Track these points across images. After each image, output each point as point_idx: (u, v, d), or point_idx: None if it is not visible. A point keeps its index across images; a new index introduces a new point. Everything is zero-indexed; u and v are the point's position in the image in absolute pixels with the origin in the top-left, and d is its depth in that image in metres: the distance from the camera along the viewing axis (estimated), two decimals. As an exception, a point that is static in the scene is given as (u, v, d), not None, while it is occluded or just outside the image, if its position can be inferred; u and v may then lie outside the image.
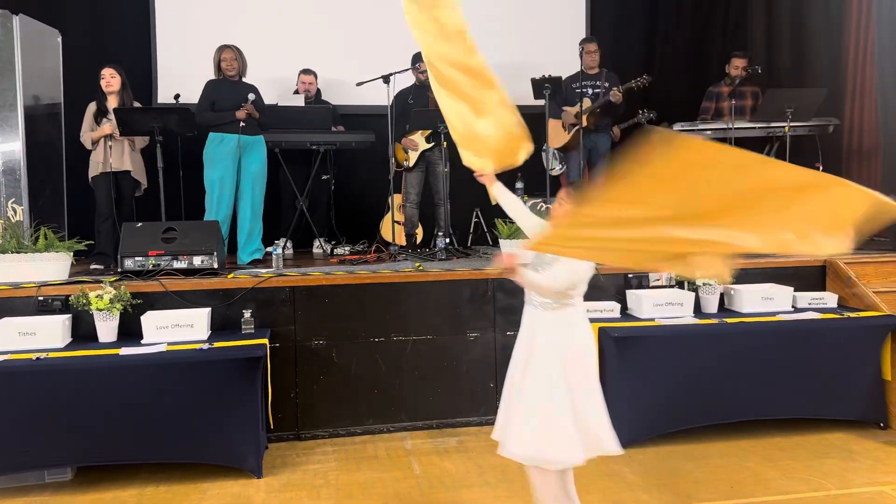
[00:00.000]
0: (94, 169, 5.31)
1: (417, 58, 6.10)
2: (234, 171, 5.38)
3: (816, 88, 5.95)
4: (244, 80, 5.56)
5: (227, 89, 5.44)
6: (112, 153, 5.25)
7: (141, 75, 6.77)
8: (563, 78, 6.40)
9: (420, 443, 4.29)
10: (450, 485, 3.67)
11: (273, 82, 6.71)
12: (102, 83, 5.30)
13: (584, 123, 6.20)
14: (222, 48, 5.49)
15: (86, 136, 5.30)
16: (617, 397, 4.07)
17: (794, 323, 4.31)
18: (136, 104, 5.44)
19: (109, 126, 5.20)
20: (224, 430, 3.75)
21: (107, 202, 5.28)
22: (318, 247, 6.35)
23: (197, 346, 3.79)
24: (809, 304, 4.63)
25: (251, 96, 5.37)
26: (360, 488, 3.65)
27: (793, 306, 4.61)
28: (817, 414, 4.35)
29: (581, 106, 6.18)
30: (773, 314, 4.44)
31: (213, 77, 5.53)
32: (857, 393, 4.34)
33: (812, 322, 4.32)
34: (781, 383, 4.25)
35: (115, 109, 5.12)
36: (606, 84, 6.36)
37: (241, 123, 5.30)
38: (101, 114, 5.29)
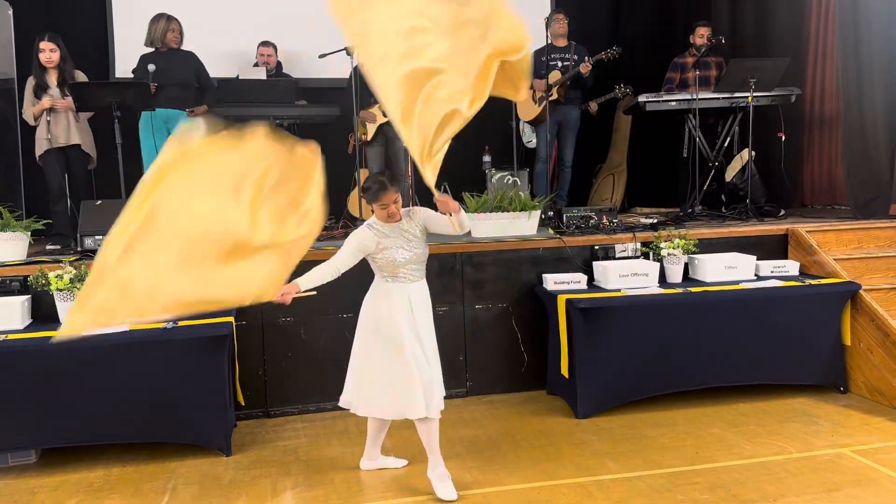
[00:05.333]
0: (41, 146, 5.09)
1: None
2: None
3: (779, 58, 5.99)
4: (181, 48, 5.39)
5: (165, 61, 5.25)
6: (56, 127, 5.05)
7: (97, 49, 6.59)
8: (532, 51, 6.36)
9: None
10: (420, 458, 3.67)
11: (232, 55, 6.58)
12: (42, 58, 5.06)
13: (554, 96, 6.18)
14: (170, 19, 5.26)
15: (28, 112, 5.09)
16: (584, 367, 4.12)
17: (756, 291, 4.37)
18: (79, 73, 5.22)
19: (49, 100, 5.00)
20: (191, 408, 3.71)
21: (58, 181, 5.10)
22: (285, 223, 6.27)
23: (161, 325, 3.73)
24: (772, 272, 4.70)
25: (151, 67, 5.13)
26: (330, 463, 3.65)
27: (755, 275, 4.67)
28: (780, 380, 4.45)
29: (548, 80, 6.15)
30: (737, 283, 4.50)
31: (151, 49, 5.35)
32: (818, 358, 4.44)
33: (774, 290, 4.39)
34: (745, 351, 4.33)
35: (70, 84, 4.97)
36: (575, 57, 6.34)
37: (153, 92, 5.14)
38: (40, 88, 5.06)
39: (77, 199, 5.12)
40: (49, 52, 5.06)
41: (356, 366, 3.34)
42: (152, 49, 5.36)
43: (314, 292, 3.23)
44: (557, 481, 3.36)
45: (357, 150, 5.86)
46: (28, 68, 5.48)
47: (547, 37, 6.24)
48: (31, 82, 5.12)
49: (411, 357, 3.19)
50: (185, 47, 5.44)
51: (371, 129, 6.03)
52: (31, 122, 5.12)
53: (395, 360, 3.20)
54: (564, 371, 4.16)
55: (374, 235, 3.24)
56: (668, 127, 6.66)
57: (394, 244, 3.23)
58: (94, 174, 5.55)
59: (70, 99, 5.06)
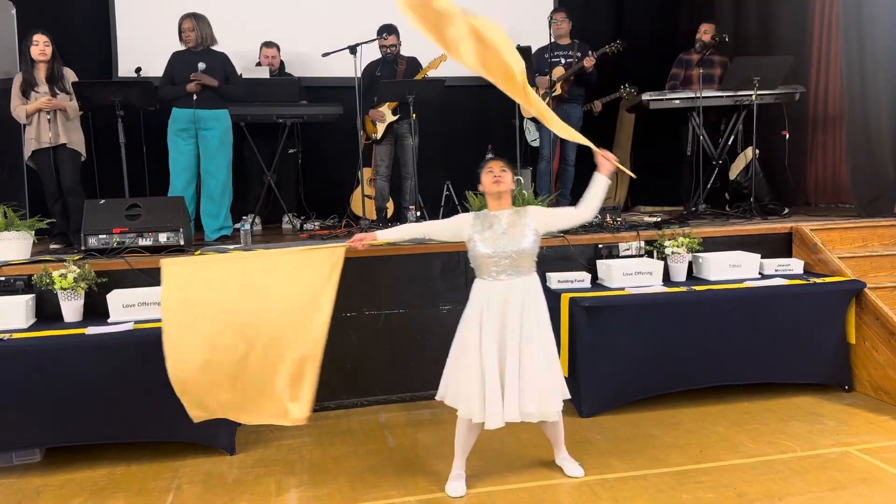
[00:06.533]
0: (30, 146, 5.03)
1: (383, 29, 6.00)
2: (192, 147, 5.22)
3: (783, 56, 5.98)
4: (213, 48, 5.33)
5: (185, 61, 5.23)
6: (48, 127, 4.98)
7: (100, 48, 6.60)
8: (535, 50, 6.36)
9: (394, 416, 4.30)
10: (424, 456, 3.68)
11: (235, 55, 6.55)
12: (35, 50, 4.97)
13: (557, 91, 6.17)
14: (182, 18, 5.25)
15: (19, 110, 5.00)
16: (588, 366, 4.12)
17: (761, 290, 4.36)
18: (69, 71, 5.17)
19: (45, 99, 4.93)
20: (195, 407, 3.71)
21: (52, 182, 5.06)
22: (288, 222, 6.28)
23: (165, 324, 3.73)
24: (776, 270, 4.69)
25: (201, 65, 5.13)
26: (335, 462, 3.65)
27: (760, 273, 4.67)
28: (784, 378, 4.43)
29: (551, 76, 6.15)
30: (741, 281, 4.49)
31: (179, 48, 5.33)
32: (823, 357, 4.43)
33: (779, 288, 4.38)
34: (749, 349, 4.32)
35: (74, 83, 4.96)
36: (578, 54, 6.33)
37: (194, 97, 5.13)
38: (28, 85, 4.99)
39: (69, 198, 5.09)
40: (43, 45, 4.99)
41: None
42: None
43: (391, 243, 3.36)
44: (561, 480, 3.36)
45: (361, 150, 5.85)
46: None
47: (550, 35, 6.24)
48: (18, 79, 5.03)
49: (476, 359, 3.14)
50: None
51: (381, 128, 6.04)
52: (22, 121, 5.03)
53: (467, 359, 3.19)
54: (564, 370, 4.14)
55: (472, 224, 3.23)
56: (672, 125, 6.65)
57: (487, 237, 3.17)
58: (96, 173, 5.55)
59: (59, 98, 5.02)
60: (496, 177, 3.21)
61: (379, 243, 3.32)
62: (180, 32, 5.25)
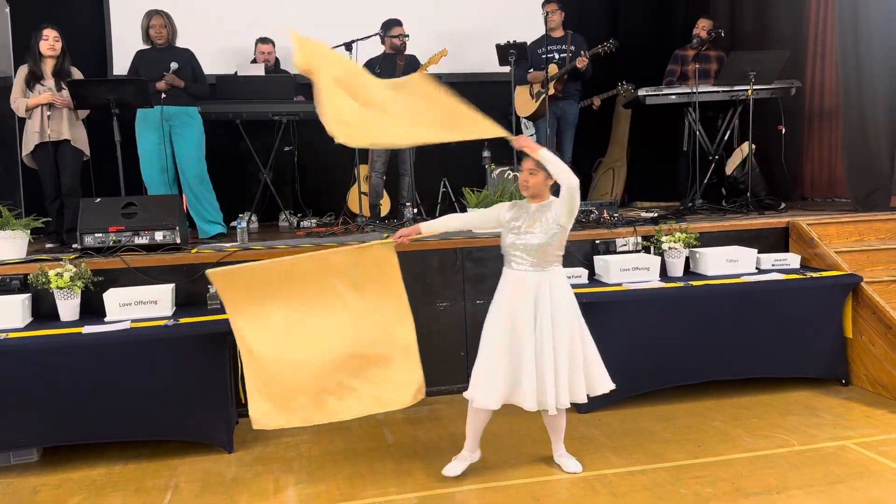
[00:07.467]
0: (31, 141, 4.97)
1: (389, 24, 5.99)
2: (162, 145, 5.21)
3: (778, 51, 5.98)
4: (177, 45, 5.33)
5: (154, 58, 5.22)
6: (50, 122, 4.91)
7: (94, 46, 6.57)
8: (529, 43, 6.35)
9: (392, 413, 4.27)
10: (423, 453, 3.68)
11: (230, 52, 6.57)
12: (44, 45, 4.93)
13: (551, 91, 6.16)
14: (151, 14, 5.24)
15: (19, 102, 4.93)
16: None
17: (757, 284, 4.37)
18: (74, 69, 5.14)
19: (49, 94, 4.87)
20: (192, 406, 3.71)
21: (52, 181, 5.02)
22: (284, 220, 6.27)
23: (162, 323, 3.73)
24: (773, 265, 4.70)
25: (174, 65, 5.13)
26: (333, 459, 3.64)
27: (757, 268, 4.67)
28: (781, 373, 4.44)
29: (547, 73, 6.14)
30: (738, 276, 4.50)
31: (145, 46, 5.33)
32: (820, 351, 4.44)
33: (775, 283, 4.39)
34: (746, 344, 4.32)
35: (69, 81, 4.93)
36: (573, 47, 6.31)
37: (163, 95, 5.12)
38: (34, 78, 4.93)
39: (68, 196, 5.07)
40: (53, 41, 4.95)
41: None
42: (148, 46, 5.33)
43: (436, 235, 3.43)
44: (560, 476, 3.36)
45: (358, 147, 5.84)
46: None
47: (545, 27, 6.21)
48: (23, 71, 4.97)
49: (497, 342, 3.20)
50: (183, 44, 5.40)
51: None
52: (21, 114, 4.97)
53: (487, 341, 3.24)
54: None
55: (507, 212, 3.26)
56: (668, 121, 6.65)
57: (512, 227, 3.20)
58: (91, 171, 5.53)
59: (67, 94, 5.00)
60: (524, 181, 3.25)
61: (423, 236, 3.37)
62: (148, 29, 5.23)
